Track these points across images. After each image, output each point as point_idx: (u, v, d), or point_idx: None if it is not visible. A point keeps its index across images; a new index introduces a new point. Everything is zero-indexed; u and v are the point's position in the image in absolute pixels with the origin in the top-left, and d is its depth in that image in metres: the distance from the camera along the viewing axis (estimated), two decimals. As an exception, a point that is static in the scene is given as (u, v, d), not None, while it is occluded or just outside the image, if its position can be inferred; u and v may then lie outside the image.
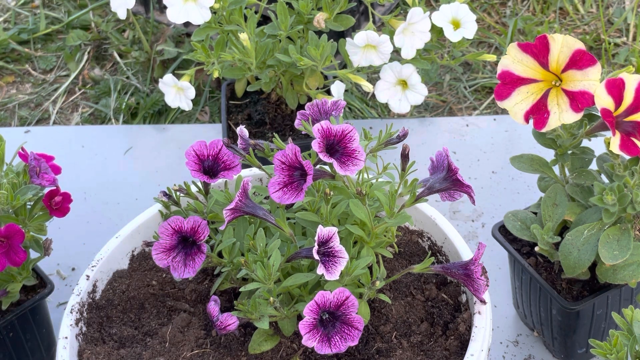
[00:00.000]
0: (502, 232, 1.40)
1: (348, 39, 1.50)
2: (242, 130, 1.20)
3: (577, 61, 1.17)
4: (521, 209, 1.38)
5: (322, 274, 1.03)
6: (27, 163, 1.33)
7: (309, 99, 1.63)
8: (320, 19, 1.52)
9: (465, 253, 1.22)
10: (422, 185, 1.15)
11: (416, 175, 1.17)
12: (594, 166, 1.34)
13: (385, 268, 1.18)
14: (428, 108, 1.99)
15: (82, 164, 1.85)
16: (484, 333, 1.11)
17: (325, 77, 1.65)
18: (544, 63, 1.19)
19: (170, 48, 2.10)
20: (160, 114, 2.03)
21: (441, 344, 1.15)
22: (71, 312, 1.18)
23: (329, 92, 1.59)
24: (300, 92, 1.64)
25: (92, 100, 2.09)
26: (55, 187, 1.33)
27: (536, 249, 1.31)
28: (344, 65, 1.61)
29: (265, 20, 1.87)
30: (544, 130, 1.18)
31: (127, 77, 2.12)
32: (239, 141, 1.20)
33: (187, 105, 1.56)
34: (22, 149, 1.36)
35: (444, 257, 1.27)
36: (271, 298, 1.07)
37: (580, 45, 1.16)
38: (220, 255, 1.17)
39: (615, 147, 1.15)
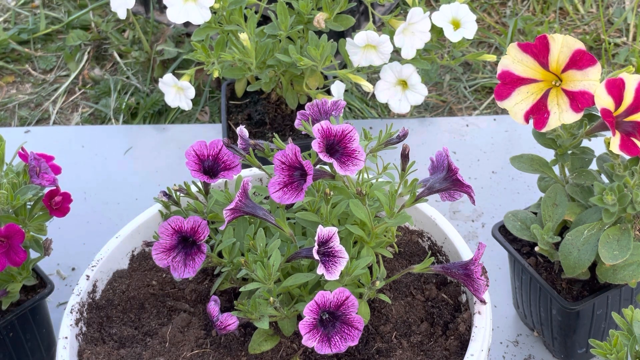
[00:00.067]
0: (502, 232, 1.40)
1: (348, 39, 1.50)
2: (242, 130, 1.20)
3: (577, 61, 1.17)
4: (521, 209, 1.38)
5: (322, 274, 1.03)
6: (27, 163, 1.33)
7: (309, 99, 1.63)
8: (320, 19, 1.52)
9: (465, 253, 1.22)
10: (422, 185, 1.15)
11: (416, 175, 1.17)
12: (594, 166, 1.34)
13: (385, 268, 1.18)
14: (428, 108, 1.99)
15: (82, 164, 1.85)
16: (484, 333, 1.11)
17: (325, 77, 1.65)
18: (544, 63, 1.19)
19: (170, 48, 2.10)
20: (160, 114, 2.03)
21: (441, 344, 1.15)
22: (71, 312, 1.18)
23: (329, 92, 1.59)
24: (300, 92, 1.64)
25: (92, 100, 2.09)
26: (55, 187, 1.33)
27: (536, 249, 1.31)
28: (344, 65, 1.61)
29: (265, 20, 1.87)
30: (544, 130, 1.18)
31: (127, 77, 2.12)
32: (239, 141, 1.20)
33: (187, 105, 1.56)
34: (22, 149, 1.36)
35: (444, 257, 1.27)
36: (271, 298, 1.07)
37: (580, 45, 1.16)
38: (220, 255, 1.17)
39: (615, 147, 1.15)
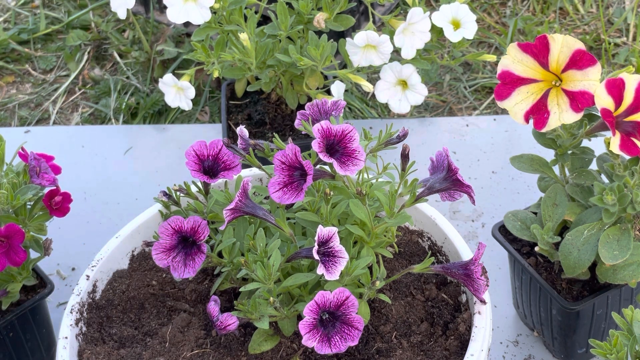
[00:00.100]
0: (502, 232, 1.40)
1: (348, 39, 1.50)
2: (242, 130, 1.20)
3: (577, 61, 1.17)
4: (521, 209, 1.38)
5: (322, 274, 1.03)
6: (27, 163, 1.33)
7: (309, 99, 1.63)
8: (320, 19, 1.52)
9: (465, 253, 1.22)
10: (422, 185, 1.15)
11: (416, 175, 1.17)
12: (594, 166, 1.34)
13: (385, 268, 1.18)
14: (428, 108, 1.99)
15: (82, 164, 1.85)
16: (484, 333, 1.11)
17: (325, 77, 1.65)
18: (544, 63, 1.19)
19: (170, 48, 2.10)
20: (160, 114, 2.03)
21: (441, 344, 1.15)
22: (71, 312, 1.18)
23: (329, 92, 1.59)
24: (300, 92, 1.64)
25: (92, 100, 2.09)
26: (55, 187, 1.33)
27: (536, 249, 1.31)
28: (344, 65, 1.61)
29: (265, 20, 1.87)
30: (544, 130, 1.18)
31: (127, 77, 2.12)
32: (239, 141, 1.20)
33: (187, 105, 1.56)
34: (22, 149, 1.36)
35: (444, 257, 1.27)
36: (271, 298, 1.07)
37: (580, 45, 1.16)
38: (220, 255, 1.17)
39: (615, 147, 1.15)
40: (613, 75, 1.19)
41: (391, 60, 1.53)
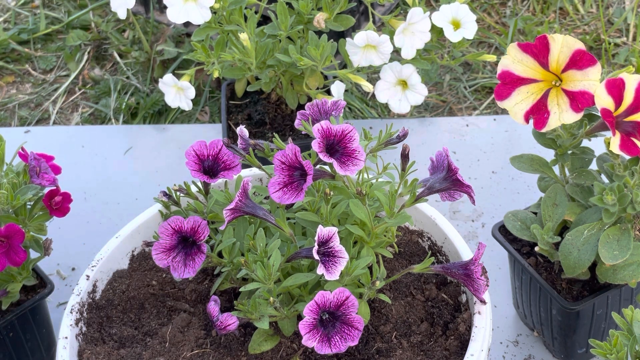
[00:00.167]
0: (502, 232, 1.40)
1: (348, 39, 1.50)
2: (242, 130, 1.20)
3: (577, 61, 1.17)
4: (521, 209, 1.38)
5: (322, 274, 1.03)
6: (27, 163, 1.33)
7: (309, 99, 1.63)
8: (320, 19, 1.52)
9: (465, 253, 1.22)
10: (422, 185, 1.15)
11: (416, 175, 1.17)
12: (594, 166, 1.34)
13: (385, 268, 1.18)
14: (428, 108, 1.99)
15: (82, 164, 1.85)
16: (484, 333, 1.11)
17: (325, 77, 1.65)
18: (544, 63, 1.19)
19: (170, 48, 2.10)
20: (160, 114, 2.03)
21: (441, 344, 1.15)
22: (71, 312, 1.18)
23: (329, 92, 1.59)
24: (300, 92, 1.64)
25: (92, 100, 2.09)
26: (55, 187, 1.33)
27: (536, 249, 1.31)
28: (344, 65, 1.61)
29: (265, 20, 1.87)
30: (544, 130, 1.18)
31: (127, 77, 2.12)
32: (239, 141, 1.20)
33: (187, 105, 1.56)
34: (22, 149, 1.36)
35: (444, 257, 1.27)
36: (271, 298, 1.07)
37: (580, 45, 1.16)
38: (220, 255, 1.17)
39: (615, 147, 1.15)
40: (613, 75, 1.19)
41: (391, 60, 1.53)
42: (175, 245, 1.13)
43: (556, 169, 1.37)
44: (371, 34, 1.47)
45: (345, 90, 1.90)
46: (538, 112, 1.19)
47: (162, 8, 2.16)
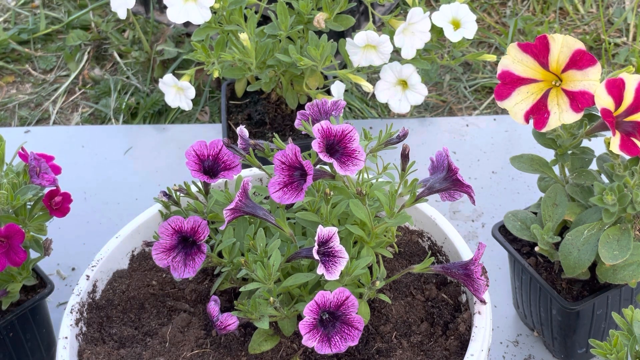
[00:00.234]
0: (502, 232, 1.40)
1: (348, 39, 1.50)
2: (242, 130, 1.20)
3: (577, 61, 1.17)
4: (521, 209, 1.38)
5: (322, 274, 1.03)
6: (27, 163, 1.33)
7: (309, 99, 1.63)
8: (320, 19, 1.52)
9: (465, 253, 1.22)
10: (422, 185, 1.15)
11: (416, 175, 1.17)
12: (594, 166, 1.34)
13: (385, 268, 1.18)
14: (428, 108, 1.99)
15: (82, 164, 1.85)
16: (484, 333, 1.11)
17: (325, 77, 1.65)
18: (544, 63, 1.19)
19: (170, 48, 2.10)
20: (160, 114, 2.03)
21: (441, 344, 1.15)
22: (71, 312, 1.18)
23: (329, 92, 1.59)
24: (300, 92, 1.64)
25: (92, 100, 2.09)
26: (55, 187, 1.33)
27: (536, 249, 1.31)
28: (344, 65, 1.61)
29: (265, 20, 1.87)
30: (544, 130, 1.18)
31: (127, 77, 2.12)
32: (239, 141, 1.20)
33: (187, 105, 1.56)
34: (22, 149, 1.36)
35: (444, 257, 1.27)
36: (271, 298, 1.07)
37: (580, 45, 1.16)
38: (220, 255, 1.17)
39: (615, 147, 1.15)
40: (613, 75, 1.19)
41: (391, 60, 1.53)
42: (175, 245, 1.13)
43: (556, 169, 1.37)
44: (371, 34, 1.47)
45: (345, 90, 1.90)
46: (538, 112, 1.19)
47: (162, 8, 2.16)
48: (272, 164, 1.08)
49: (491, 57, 1.56)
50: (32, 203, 1.34)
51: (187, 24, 2.14)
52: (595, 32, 2.12)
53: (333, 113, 1.19)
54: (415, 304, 1.20)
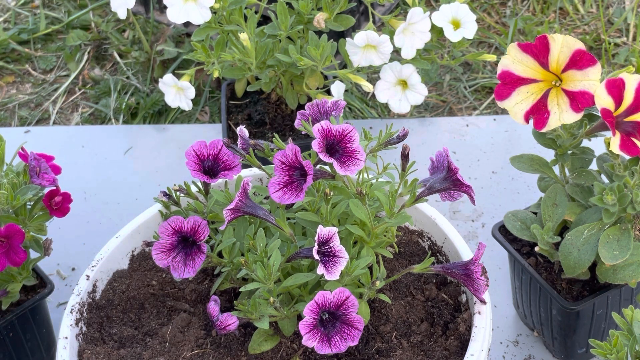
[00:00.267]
0: (502, 232, 1.40)
1: (348, 39, 1.50)
2: (242, 130, 1.20)
3: (577, 61, 1.17)
4: (521, 209, 1.38)
5: (322, 274, 1.03)
6: (27, 163, 1.33)
7: (309, 99, 1.63)
8: (320, 19, 1.52)
9: (465, 253, 1.22)
10: (422, 185, 1.15)
11: (416, 175, 1.17)
12: (594, 166, 1.34)
13: (385, 268, 1.18)
14: (428, 108, 1.99)
15: (82, 164, 1.85)
16: (484, 333, 1.11)
17: (325, 77, 1.65)
18: (544, 63, 1.19)
19: (170, 48, 2.10)
20: (160, 114, 2.03)
21: (441, 344, 1.15)
22: (71, 312, 1.18)
23: (329, 92, 1.59)
24: (300, 92, 1.64)
25: (92, 100, 2.09)
26: (55, 187, 1.33)
27: (536, 249, 1.31)
28: (344, 65, 1.61)
29: (265, 20, 1.87)
30: (544, 130, 1.18)
31: (127, 77, 2.12)
32: (239, 141, 1.20)
33: (187, 105, 1.56)
34: (22, 149, 1.36)
35: (444, 257, 1.27)
36: (271, 298, 1.07)
37: (580, 45, 1.16)
38: (220, 255, 1.17)
39: (615, 147, 1.15)
40: (613, 75, 1.19)
41: (391, 60, 1.53)
42: (175, 245, 1.13)
43: (556, 169, 1.37)
44: (371, 34, 1.47)
45: (345, 90, 1.91)
46: (538, 112, 1.19)
47: (162, 8, 2.16)
48: (272, 164, 1.08)
49: (491, 57, 1.56)
50: (32, 203, 1.34)
51: (187, 24, 2.14)
52: (595, 32, 2.12)
53: (333, 113, 1.19)
54: (415, 304, 1.20)
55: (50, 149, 1.46)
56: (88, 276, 1.22)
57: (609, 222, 1.21)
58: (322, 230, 1.04)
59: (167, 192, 1.27)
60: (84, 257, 1.44)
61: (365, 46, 1.50)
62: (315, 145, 1.04)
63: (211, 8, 1.47)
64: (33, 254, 1.39)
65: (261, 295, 1.09)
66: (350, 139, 1.07)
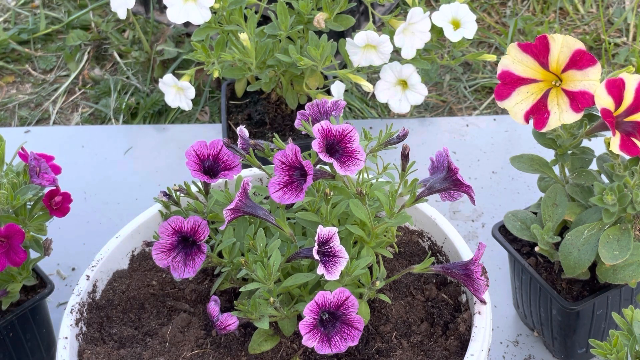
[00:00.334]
0: (502, 232, 1.40)
1: (348, 39, 1.50)
2: (242, 130, 1.20)
3: (577, 61, 1.17)
4: (521, 209, 1.38)
5: (322, 274, 1.03)
6: (27, 163, 1.33)
7: (309, 99, 1.63)
8: (320, 19, 1.52)
9: (465, 253, 1.22)
10: (422, 185, 1.15)
11: (416, 175, 1.17)
12: (594, 166, 1.34)
13: (385, 268, 1.18)
14: (428, 108, 1.99)
15: (82, 164, 1.85)
16: (484, 333, 1.11)
17: (325, 77, 1.65)
18: (544, 63, 1.19)
19: (170, 48, 2.10)
20: (160, 114, 2.03)
21: (441, 344, 1.15)
22: (71, 312, 1.18)
23: (329, 92, 1.59)
24: (300, 92, 1.64)
25: (92, 100, 2.09)
26: (55, 187, 1.33)
27: (536, 249, 1.31)
28: (344, 65, 1.61)
29: (265, 20, 1.87)
30: (544, 130, 1.18)
31: (127, 77, 2.12)
32: (239, 141, 1.20)
33: (187, 105, 1.56)
34: (22, 149, 1.36)
35: (444, 257, 1.27)
36: (271, 298, 1.07)
37: (580, 45, 1.16)
38: (220, 255, 1.17)
39: (615, 147, 1.15)
40: (613, 75, 1.19)
41: (391, 60, 1.53)
42: (175, 245, 1.13)
43: (556, 169, 1.37)
44: (371, 33, 1.47)
45: (345, 90, 1.91)
46: (538, 112, 1.19)
47: (162, 8, 2.16)
48: (272, 164, 1.08)
49: (491, 57, 1.56)
50: (32, 203, 1.34)
51: (187, 24, 2.14)
52: (595, 32, 2.12)
53: (333, 113, 1.19)
54: (415, 304, 1.20)
55: (50, 149, 1.46)
56: (88, 276, 1.22)
57: (609, 222, 1.21)
58: (322, 230, 1.04)
59: (167, 192, 1.27)
60: (84, 257, 1.44)
61: (365, 46, 1.50)
62: (315, 145, 1.04)
63: (211, 8, 1.47)
64: (33, 254, 1.39)
65: (261, 295, 1.09)
66: (350, 139, 1.07)
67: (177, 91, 1.56)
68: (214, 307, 1.10)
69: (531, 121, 1.19)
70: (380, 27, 2.00)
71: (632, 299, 1.35)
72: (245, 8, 1.54)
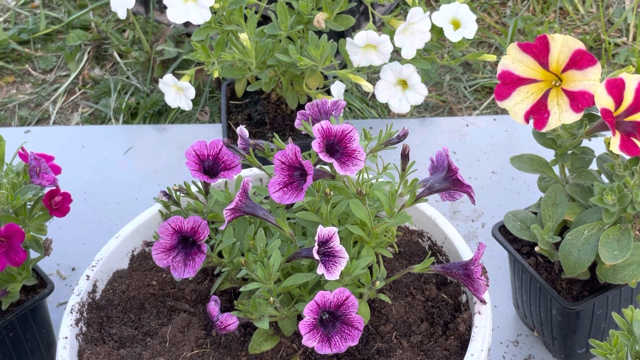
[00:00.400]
0: (502, 232, 1.40)
1: (348, 39, 1.50)
2: (242, 130, 1.20)
3: (577, 61, 1.17)
4: (521, 209, 1.38)
5: (322, 274, 1.03)
6: (27, 163, 1.33)
7: (309, 99, 1.63)
8: (320, 19, 1.52)
9: (465, 253, 1.22)
10: (422, 185, 1.15)
11: (416, 175, 1.17)
12: (594, 166, 1.34)
13: (385, 268, 1.18)
14: (428, 108, 1.99)
15: (82, 164, 1.85)
16: (484, 333, 1.11)
17: (325, 77, 1.65)
18: (544, 63, 1.19)
19: (170, 48, 2.10)
20: (160, 114, 2.03)
21: (441, 344, 1.15)
22: (71, 312, 1.18)
23: (329, 92, 1.59)
24: (300, 92, 1.64)
25: (92, 100, 2.09)
26: (55, 187, 1.33)
27: (536, 249, 1.31)
28: (344, 65, 1.61)
29: (265, 20, 1.87)
30: (544, 130, 1.18)
31: (127, 77, 2.12)
32: (239, 141, 1.20)
33: (187, 105, 1.56)
34: (22, 149, 1.36)
35: (444, 257, 1.27)
36: (271, 298, 1.07)
37: (580, 45, 1.16)
38: (220, 255, 1.17)
39: (615, 147, 1.15)
40: (613, 75, 1.19)
41: (391, 60, 1.53)
42: (175, 245, 1.13)
43: (556, 169, 1.37)
44: (371, 33, 1.47)
45: (345, 90, 1.91)
46: (538, 112, 1.19)
47: (162, 8, 2.16)
48: (272, 164, 1.08)
49: (491, 57, 1.56)
50: (32, 203, 1.34)
51: (187, 24, 2.14)
52: (595, 32, 2.12)
53: (333, 113, 1.19)
54: (415, 304, 1.20)
55: (50, 149, 1.46)
56: (88, 276, 1.22)
57: (609, 222, 1.21)
58: (322, 230, 1.04)
59: (167, 192, 1.27)
60: (84, 257, 1.44)
61: (365, 46, 1.50)
62: (315, 145, 1.04)
63: (211, 8, 1.47)
64: (33, 254, 1.39)
65: (261, 295, 1.09)
66: (350, 139, 1.07)
67: (177, 91, 1.56)
68: (214, 307, 1.10)
69: (531, 121, 1.19)
70: (380, 27, 2.00)
71: (632, 299, 1.35)
72: (245, 8, 1.54)
